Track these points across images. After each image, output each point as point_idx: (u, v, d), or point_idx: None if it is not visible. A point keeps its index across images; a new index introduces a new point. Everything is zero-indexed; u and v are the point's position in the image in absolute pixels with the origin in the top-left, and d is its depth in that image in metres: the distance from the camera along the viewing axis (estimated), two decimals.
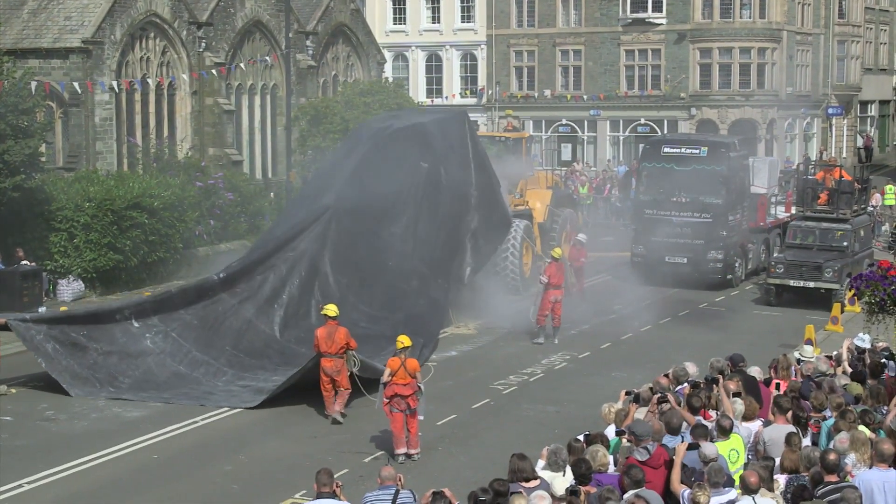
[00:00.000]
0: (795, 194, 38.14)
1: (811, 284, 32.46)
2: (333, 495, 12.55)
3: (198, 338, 24.11)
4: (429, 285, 27.25)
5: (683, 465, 12.68)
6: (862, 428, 13.78)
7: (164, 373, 23.02)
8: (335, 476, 13.05)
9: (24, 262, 30.30)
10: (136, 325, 23.57)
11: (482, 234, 29.81)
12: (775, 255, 35.41)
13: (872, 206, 42.62)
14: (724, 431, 13.66)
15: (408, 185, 28.09)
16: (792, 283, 32.81)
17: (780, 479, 12.81)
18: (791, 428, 14.12)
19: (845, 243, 33.58)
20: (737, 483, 12.76)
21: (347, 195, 27.17)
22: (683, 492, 12.06)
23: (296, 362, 22.89)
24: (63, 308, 28.70)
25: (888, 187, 49.91)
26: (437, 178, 28.53)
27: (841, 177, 37.23)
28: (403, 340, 19.24)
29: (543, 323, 27.24)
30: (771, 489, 12.26)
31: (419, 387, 18.93)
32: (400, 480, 12.84)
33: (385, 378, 18.85)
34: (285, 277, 25.81)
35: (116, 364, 22.93)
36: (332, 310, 21.09)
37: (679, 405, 14.76)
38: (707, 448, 12.84)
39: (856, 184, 37.33)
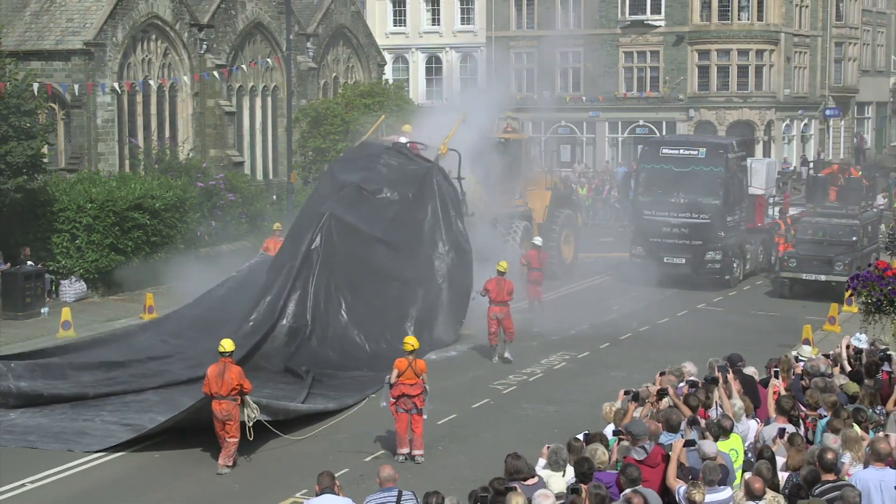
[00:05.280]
0: (805, 191, 38.72)
1: (822, 278, 33.28)
2: (334, 493, 12.74)
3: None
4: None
5: (681, 464, 12.79)
6: (854, 426, 13.98)
7: (31, 421, 21.03)
8: (337, 473, 13.46)
9: (28, 262, 30.50)
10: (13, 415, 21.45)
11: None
12: (787, 250, 36.02)
13: (876, 206, 43.03)
14: (725, 431, 13.80)
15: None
16: (804, 276, 33.60)
17: (782, 477, 12.97)
18: (791, 428, 14.31)
19: (854, 238, 34.40)
20: (737, 482, 13.00)
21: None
22: (679, 488, 12.18)
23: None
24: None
25: None
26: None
27: (849, 174, 37.85)
28: (412, 342, 19.37)
29: (495, 342, 26.14)
30: (775, 487, 12.42)
31: (425, 387, 19.09)
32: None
33: (393, 379, 19.01)
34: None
35: None
36: (226, 345, 18.82)
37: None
38: (706, 446, 12.98)
39: (864, 181, 37.99)
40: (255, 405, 18.77)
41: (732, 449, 13.74)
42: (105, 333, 27.39)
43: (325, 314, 25.96)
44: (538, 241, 31.23)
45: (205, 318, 26.49)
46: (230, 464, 18.62)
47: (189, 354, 24.55)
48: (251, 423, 18.62)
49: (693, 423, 14.16)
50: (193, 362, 23.59)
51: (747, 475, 12.60)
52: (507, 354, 26.07)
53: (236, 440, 18.54)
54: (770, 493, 12.04)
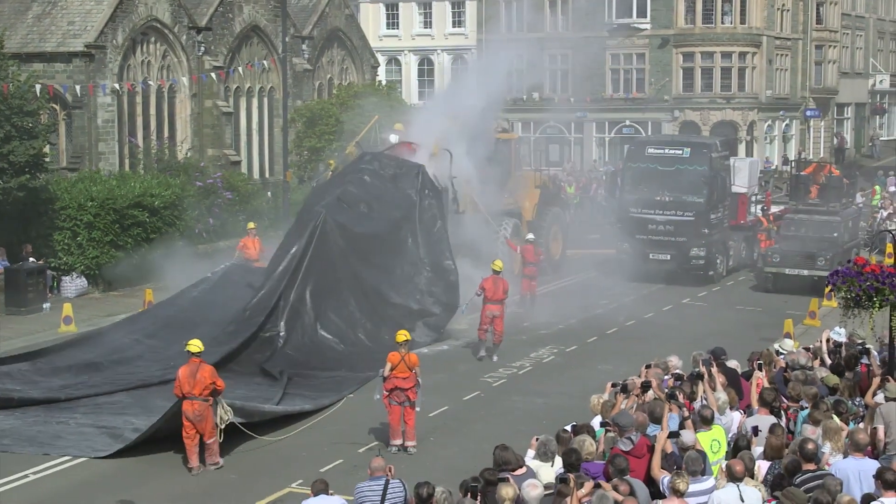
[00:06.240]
0: (788, 189, 39.44)
1: (805, 272, 33.89)
2: (327, 495, 13.27)
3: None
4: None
5: (667, 454, 13.09)
6: (834, 418, 14.32)
7: (4, 423, 20.66)
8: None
9: (30, 258, 30.92)
10: None
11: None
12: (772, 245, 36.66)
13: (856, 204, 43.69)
14: (706, 421, 14.00)
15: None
16: (787, 271, 34.25)
17: (762, 466, 13.23)
18: (773, 419, 14.60)
19: (835, 234, 35.08)
20: (715, 474, 13.01)
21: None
22: (663, 478, 12.37)
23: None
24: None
25: (877, 187, 50.98)
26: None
27: (830, 172, 38.57)
28: (404, 334, 19.69)
29: (484, 337, 25.98)
30: (753, 476, 12.63)
31: (417, 380, 19.35)
32: (390, 471, 13.40)
33: (385, 372, 19.27)
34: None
35: None
36: (195, 345, 18.48)
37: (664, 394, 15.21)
38: (685, 436, 13.24)
39: (844, 179, 38.76)
40: (228, 407, 18.46)
41: (715, 440, 13.93)
42: (79, 334, 27.03)
43: (302, 324, 25.82)
44: (531, 236, 31.92)
45: (178, 318, 26.32)
46: (216, 461, 18.42)
47: (162, 356, 24.28)
48: (223, 426, 18.30)
49: (672, 396, 14.65)
50: (166, 364, 23.39)
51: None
52: (494, 358, 26.07)
53: (215, 439, 18.26)
54: (751, 482, 12.32)
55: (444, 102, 36.29)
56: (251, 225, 32.59)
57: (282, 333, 25.37)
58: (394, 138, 32.42)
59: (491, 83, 35.37)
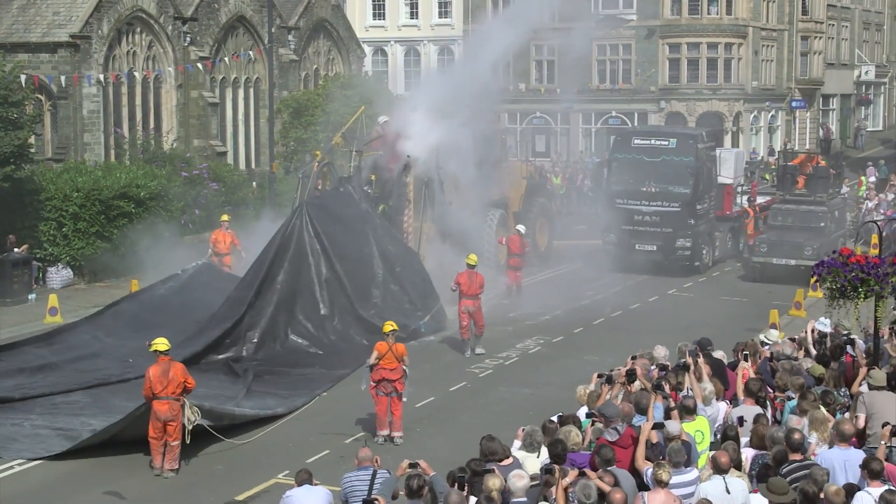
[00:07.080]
0: (775, 179, 39.72)
1: (792, 262, 34.02)
2: (311, 485, 13.29)
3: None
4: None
5: (652, 444, 13.11)
6: (821, 408, 14.36)
7: None
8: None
9: (15, 248, 30.86)
10: None
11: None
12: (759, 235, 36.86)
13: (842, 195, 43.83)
14: (689, 412, 14.04)
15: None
16: (775, 261, 34.42)
17: (748, 455, 13.33)
18: (758, 409, 14.65)
19: (822, 224, 35.31)
20: (700, 465, 13.08)
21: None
22: (646, 469, 12.34)
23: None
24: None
25: (863, 178, 51.23)
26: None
27: (817, 163, 38.84)
28: (391, 324, 19.69)
29: (467, 337, 25.73)
30: (739, 468, 12.66)
31: (405, 370, 19.38)
32: (376, 461, 13.51)
33: (372, 361, 19.26)
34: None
35: None
36: (162, 343, 18.00)
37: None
38: (671, 426, 13.21)
39: (831, 170, 39.04)
40: (196, 409, 18.07)
41: (698, 430, 13.97)
42: (41, 331, 26.37)
43: (273, 334, 25.55)
44: (521, 228, 32.00)
45: (141, 316, 26.05)
46: (175, 466, 17.98)
47: (120, 353, 24.03)
48: (191, 427, 17.89)
49: (657, 387, 14.77)
50: (124, 362, 23.25)
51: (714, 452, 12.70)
52: (478, 350, 25.92)
53: (179, 442, 17.84)
54: (736, 472, 12.34)
55: (432, 90, 36.17)
56: (224, 217, 32.30)
57: (254, 340, 25.07)
58: (382, 119, 32.48)
59: (482, 70, 35.31)
